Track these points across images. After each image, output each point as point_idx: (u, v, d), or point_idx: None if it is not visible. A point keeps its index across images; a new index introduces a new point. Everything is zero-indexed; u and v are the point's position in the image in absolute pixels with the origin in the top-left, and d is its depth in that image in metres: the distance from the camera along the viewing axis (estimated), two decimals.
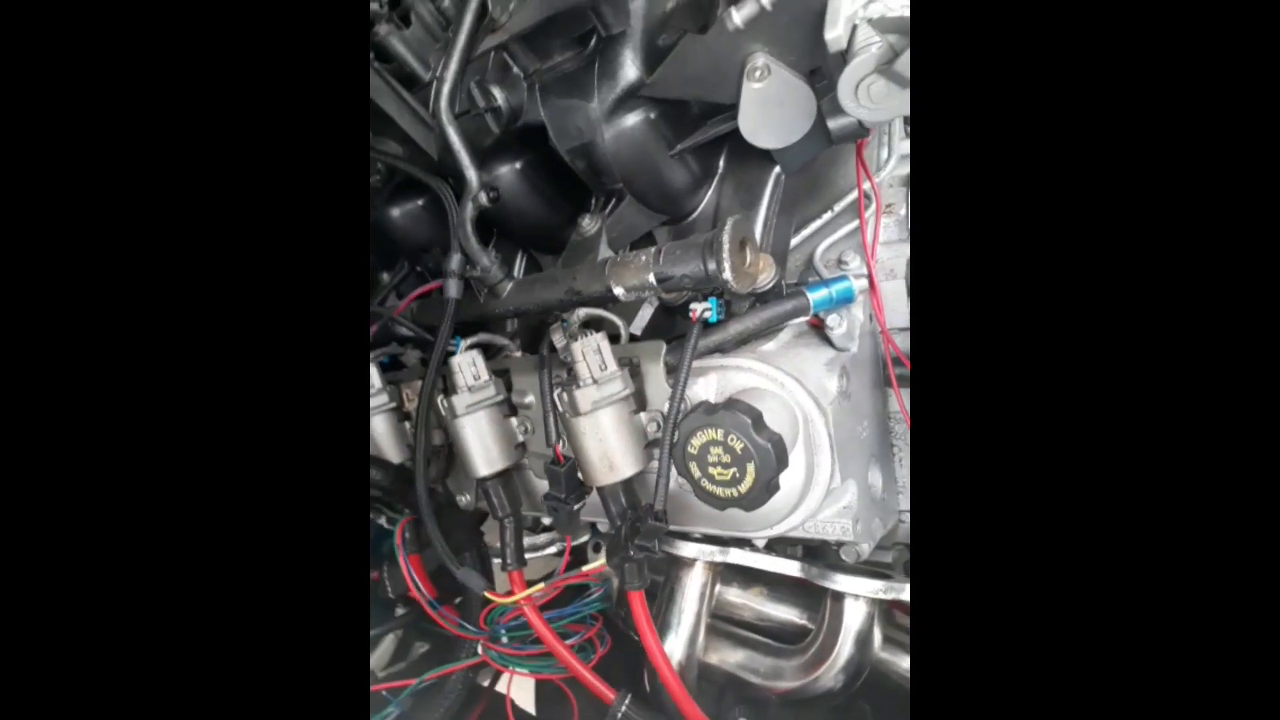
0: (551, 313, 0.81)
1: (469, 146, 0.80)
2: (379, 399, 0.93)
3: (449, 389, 0.80)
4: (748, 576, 0.86)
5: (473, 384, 0.78)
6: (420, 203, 0.98)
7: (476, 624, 0.91)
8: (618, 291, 0.72)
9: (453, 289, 0.81)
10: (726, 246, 0.62)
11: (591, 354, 0.66)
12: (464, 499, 0.92)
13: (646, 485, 0.68)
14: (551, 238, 0.91)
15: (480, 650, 0.92)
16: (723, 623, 0.86)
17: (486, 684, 0.93)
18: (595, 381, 0.66)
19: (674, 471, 0.64)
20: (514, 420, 0.82)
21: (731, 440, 0.59)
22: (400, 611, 1.26)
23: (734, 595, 0.88)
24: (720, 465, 0.60)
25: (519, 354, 0.84)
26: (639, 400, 0.71)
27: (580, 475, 0.70)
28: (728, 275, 0.63)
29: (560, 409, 0.68)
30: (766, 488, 0.59)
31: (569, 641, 0.87)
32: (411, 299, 0.91)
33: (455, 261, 0.82)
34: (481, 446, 0.79)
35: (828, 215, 0.83)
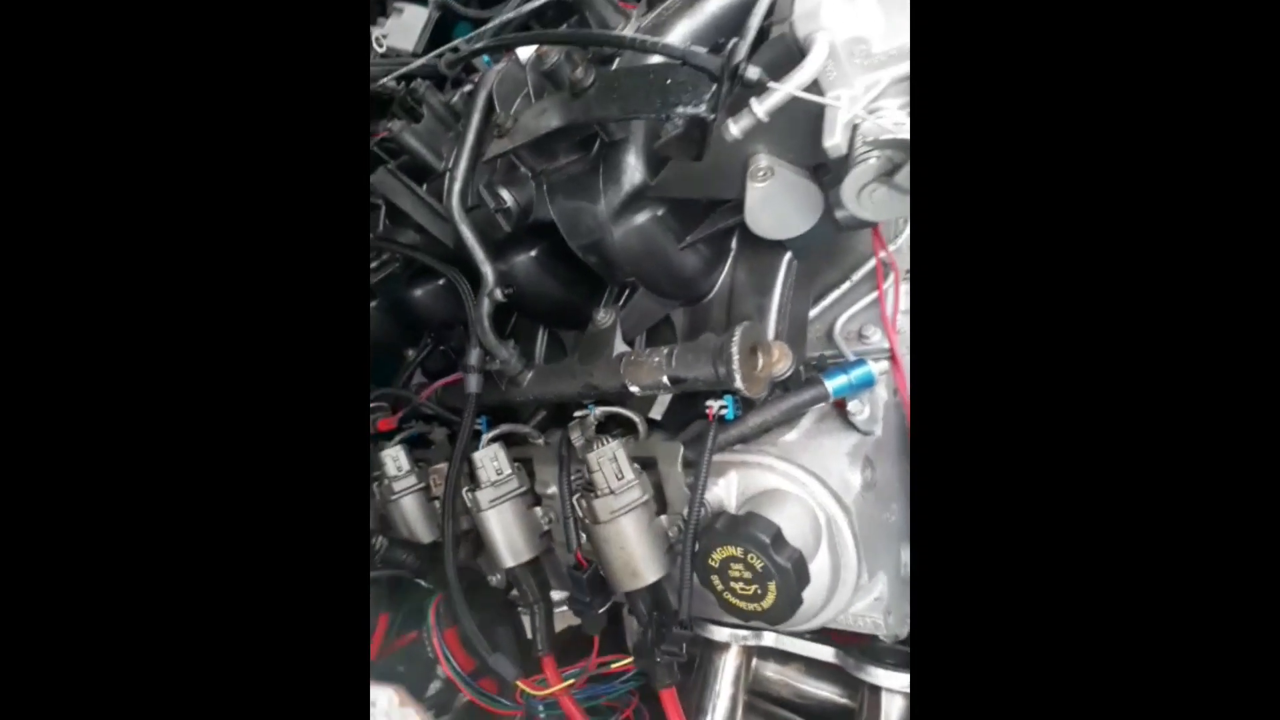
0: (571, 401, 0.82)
1: (482, 240, 0.80)
2: (407, 480, 0.95)
3: (473, 481, 0.81)
4: (785, 654, 0.84)
5: (495, 479, 0.79)
6: (441, 282, 1.00)
7: (513, 698, 0.93)
8: (633, 389, 0.71)
9: (472, 384, 0.82)
10: (736, 356, 0.61)
11: (608, 463, 0.66)
12: (495, 578, 0.93)
13: (674, 582, 0.67)
14: (572, 316, 0.91)
15: None
16: (761, 700, 0.85)
17: None
18: (613, 491, 0.66)
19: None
20: (539, 510, 0.83)
21: (751, 559, 0.58)
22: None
23: (771, 671, 0.87)
24: (742, 581, 0.60)
25: (542, 442, 0.85)
26: (659, 502, 0.70)
27: (604, 577, 0.70)
28: (739, 384, 0.62)
29: (580, 514, 0.68)
30: (790, 605, 0.58)
31: None
32: (435, 387, 0.92)
33: (474, 357, 0.83)
34: (506, 539, 0.80)
35: (846, 285, 0.81)
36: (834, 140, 0.55)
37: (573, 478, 0.73)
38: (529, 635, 0.86)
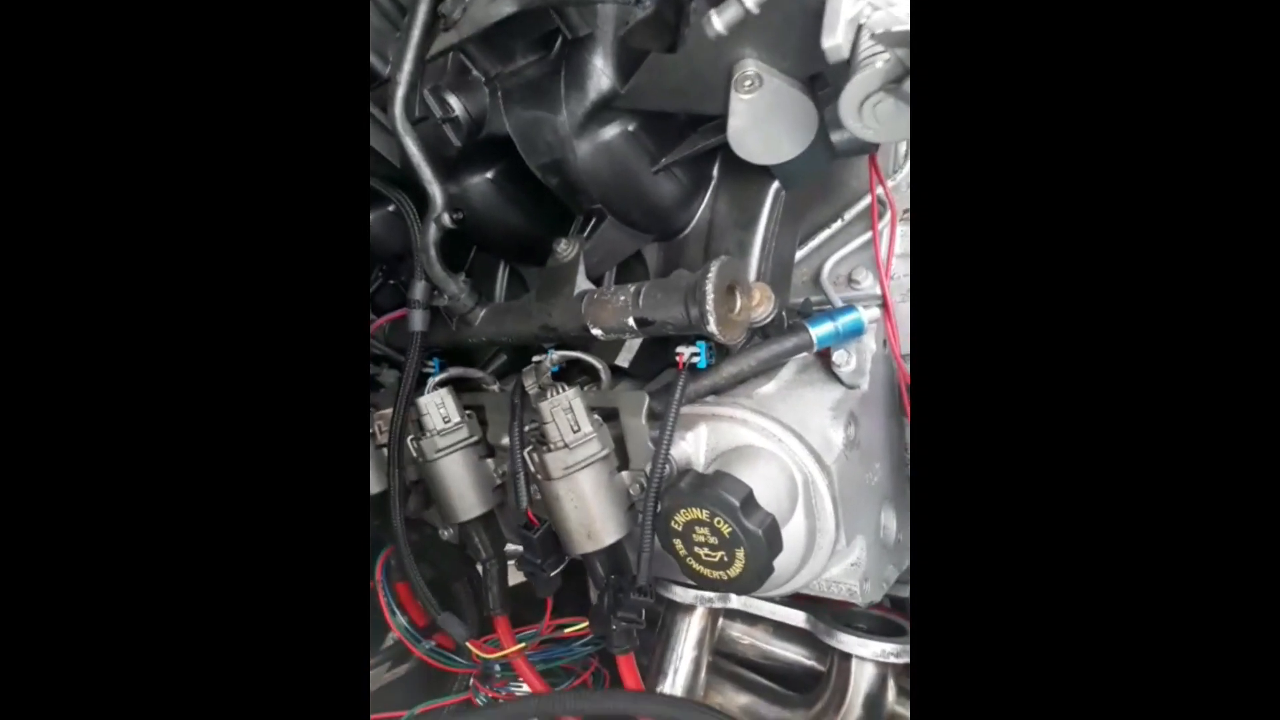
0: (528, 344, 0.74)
1: (431, 157, 0.70)
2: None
3: (420, 429, 0.74)
4: (752, 615, 0.80)
5: (443, 426, 0.72)
6: (391, 208, 0.90)
7: (470, 657, 0.88)
8: (595, 332, 0.64)
9: (417, 321, 0.74)
10: (710, 296, 0.54)
11: (562, 414, 0.59)
12: (447, 533, 0.87)
13: (635, 543, 0.61)
14: (533, 249, 0.82)
15: (471, 687, 0.88)
16: (725, 661, 0.81)
17: None
18: (567, 445, 0.59)
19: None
20: (491, 462, 0.76)
21: (718, 523, 0.52)
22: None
23: (737, 631, 0.82)
24: (707, 546, 0.53)
25: (495, 388, 0.77)
26: (620, 456, 0.63)
27: (557, 537, 0.64)
28: (712, 327, 0.54)
29: (531, 469, 0.61)
30: (759, 574, 0.52)
31: (565, 686, 0.83)
32: (380, 324, 0.84)
33: (419, 290, 0.74)
34: (456, 491, 0.73)
35: (838, 224, 0.73)
36: (835, 40, 0.46)
37: (526, 429, 0.66)
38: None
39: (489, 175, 0.75)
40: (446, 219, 0.70)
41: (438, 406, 0.72)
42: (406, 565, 0.77)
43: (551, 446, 0.59)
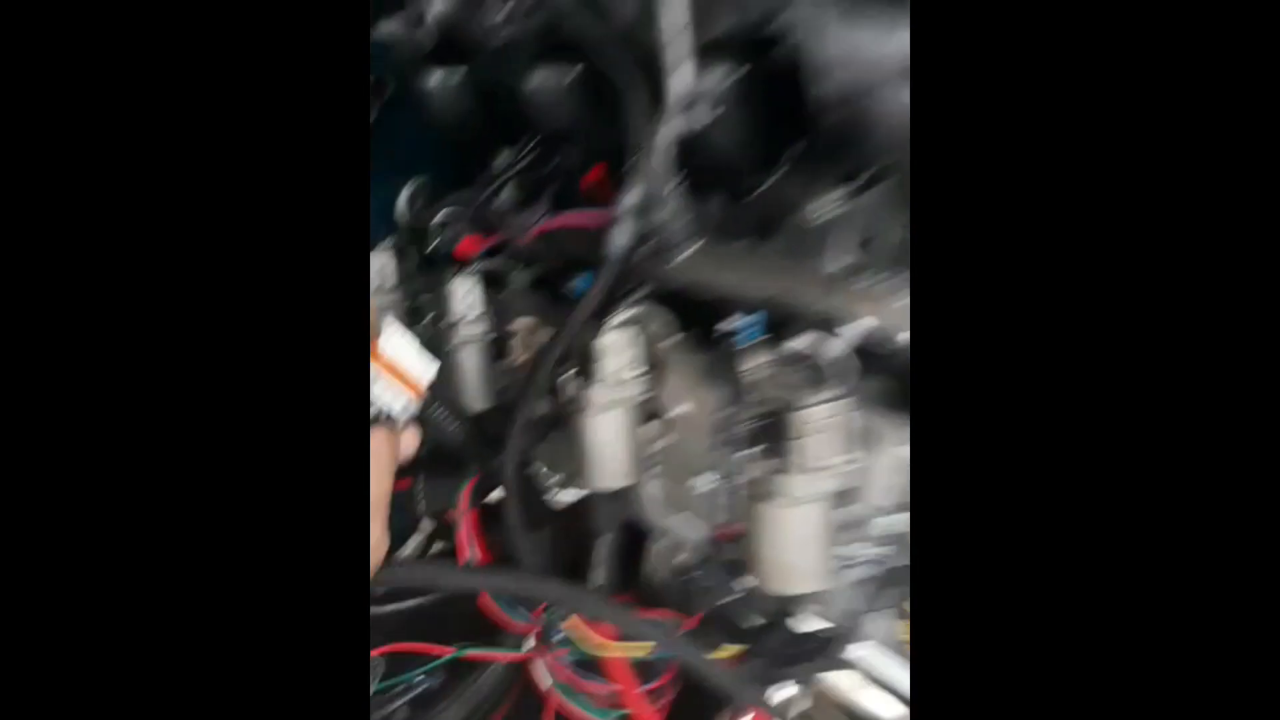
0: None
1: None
2: (475, 327, 0.72)
3: (582, 370, 0.59)
4: None
5: (624, 377, 0.57)
6: (577, 71, 0.71)
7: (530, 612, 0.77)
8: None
9: (623, 236, 0.58)
10: None
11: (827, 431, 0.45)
12: (558, 492, 0.74)
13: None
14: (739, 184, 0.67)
15: (525, 649, 0.78)
16: None
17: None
18: (811, 471, 0.45)
19: None
20: (651, 426, 0.62)
21: None
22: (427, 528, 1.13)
23: None
24: None
25: (678, 340, 0.62)
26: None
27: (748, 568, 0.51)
28: None
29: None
30: None
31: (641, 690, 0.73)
32: (554, 225, 0.66)
33: (629, 196, 0.58)
34: (608, 454, 0.60)
35: None
36: None
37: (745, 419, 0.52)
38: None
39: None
40: (703, 119, 0.53)
41: (622, 348, 0.57)
42: (513, 519, 0.65)
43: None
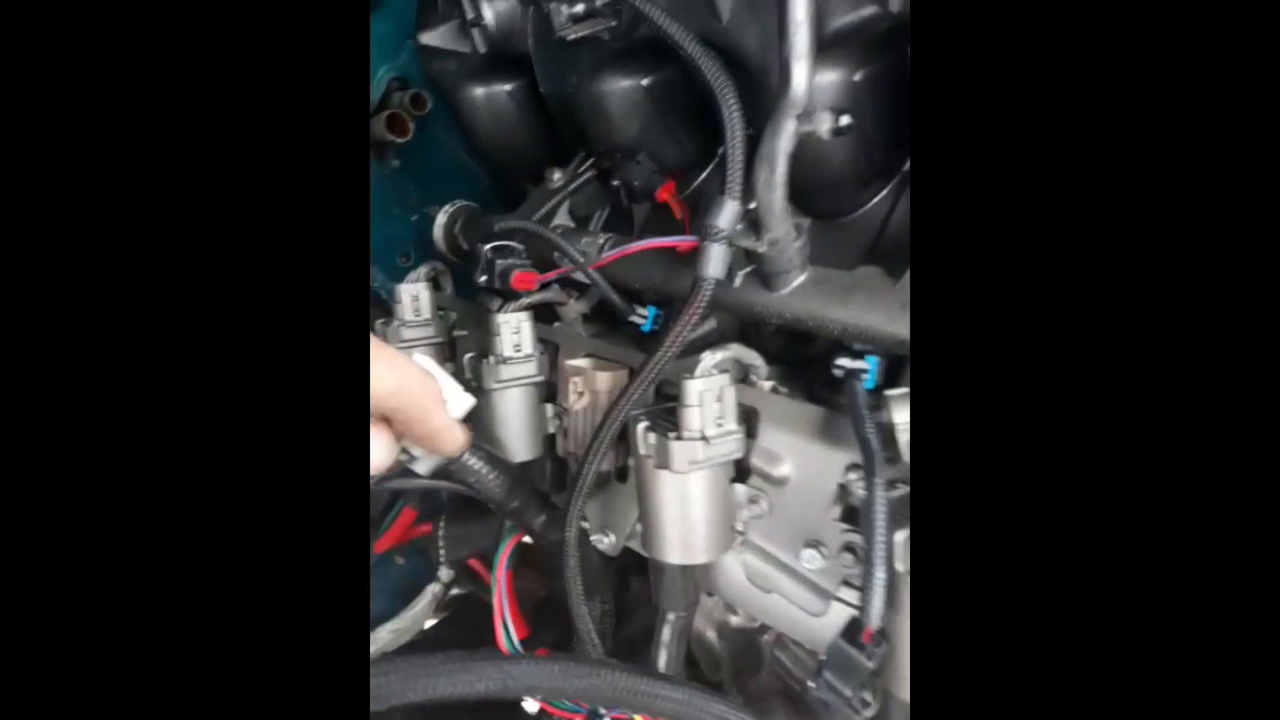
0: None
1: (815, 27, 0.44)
2: (524, 367, 0.62)
3: (658, 422, 0.49)
4: None
5: (714, 430, 0.47)
6: (649, 81, 0.63)
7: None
8: None
9: (714, 264, 0.48)
10: None
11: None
12: (607, 539, 0.64)
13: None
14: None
15: None
16: None
17: None
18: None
19: None
20: (741, 489, 0.52)
21: None
22: (446, 582, 1.02)
23: None
24: None
25: (773, 386, 0.52)
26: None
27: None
28: None
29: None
30: None
31: None
32: (627, 252, 0.57)
33: (727, 214, 0.48)
34: (704, 521, 0.49)
35: None
36: None
37: (885, 480, 0.41)
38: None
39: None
40: (826, 123, 0.44)
41: (713, 394, 0.47)
42: (572, 591, 0.54)
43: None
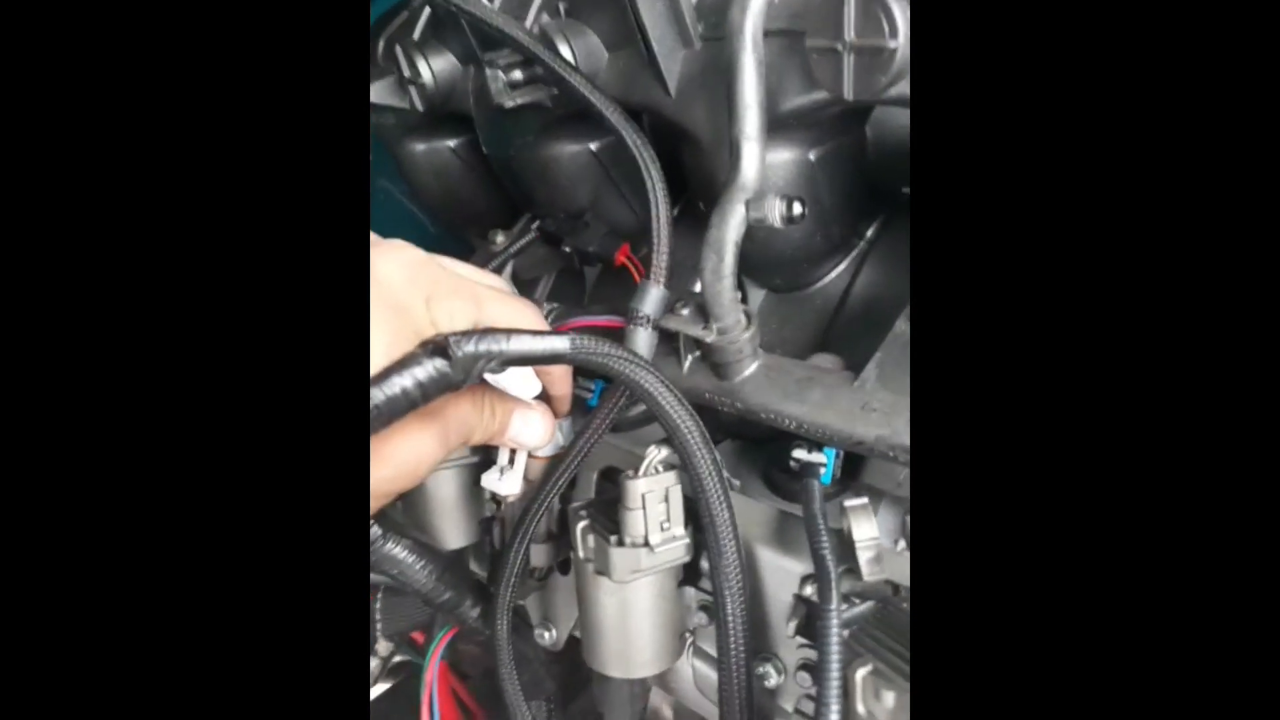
0: None
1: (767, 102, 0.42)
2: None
3: (598, 521, 0.45)
4: None
5: (658, 536, 0.43)
6: (597, 146, 0.60)
7: None
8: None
9: (641, 349, 0.45)
10: None
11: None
12: (550, 635, 0.59)
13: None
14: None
15: None
16: None
17: None
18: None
19: None
20: (691, 593, 0.48)
21: None
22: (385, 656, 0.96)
23: None
24: None
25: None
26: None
27: None
28: None
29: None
30: None
31: None
32: (568, 327, 0.53)
33: (651, 300, 0.45)
34: (648, 631, 0.45)
35: None
36: None
37: (839, 602, 0.37)
38: None
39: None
40: (778, 211, 0.41)
41: (659, 493, 0.43)
42: (506, 688, 0.49)
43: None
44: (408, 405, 0.32)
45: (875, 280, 0.55)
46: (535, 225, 0.68)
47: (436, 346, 0.32)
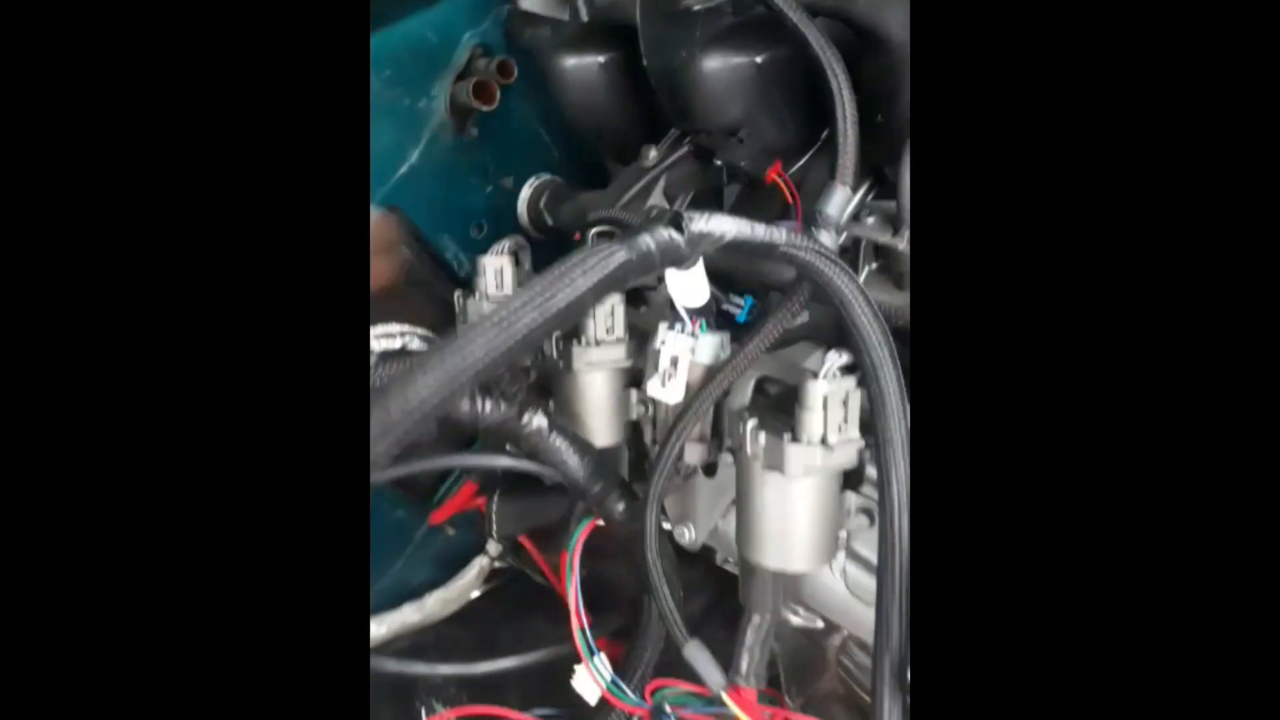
0: None
1: None
2: (613, 350, 0.60)
3: (768, 421, 0.47)
4: None
5: (835, 437, 0.44)
6: (763, 59, 0.60)
7: (640, 692, 0.64)
8: None
9: (826, 238, 0.46)
10: None
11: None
12: (687, 534, 0.62)
13: None
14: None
15: None
16: None
17: None
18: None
19: None
20: (853, 498, 0.49)
21: None
22: (494, 555, 1.02)
23: None
24: None
25: None
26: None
27: None
28: None
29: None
30: None
31: None
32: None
33: (837, 201, 0.46)
34: (809, 528, 0.47)
35: None
36: None
37: None
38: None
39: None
40: None
41: (827, 383, 0.44)
42: (653, 577, 0.52)
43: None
44: (642, 269, 0.33)
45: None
46: (687, 140, 0.68)
47: (674, 217, 0.34)
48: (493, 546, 1.01)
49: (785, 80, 0.60)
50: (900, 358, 0.41)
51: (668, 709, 0.62)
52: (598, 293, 0.32)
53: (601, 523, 0.66)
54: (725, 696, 0.55)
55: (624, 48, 0.69)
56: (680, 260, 0.35)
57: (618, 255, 0.32)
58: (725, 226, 0.35)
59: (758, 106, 0.62)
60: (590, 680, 0.64)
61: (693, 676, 0.57)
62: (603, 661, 0.66)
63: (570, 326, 0.61)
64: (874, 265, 0.48)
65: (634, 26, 0.64)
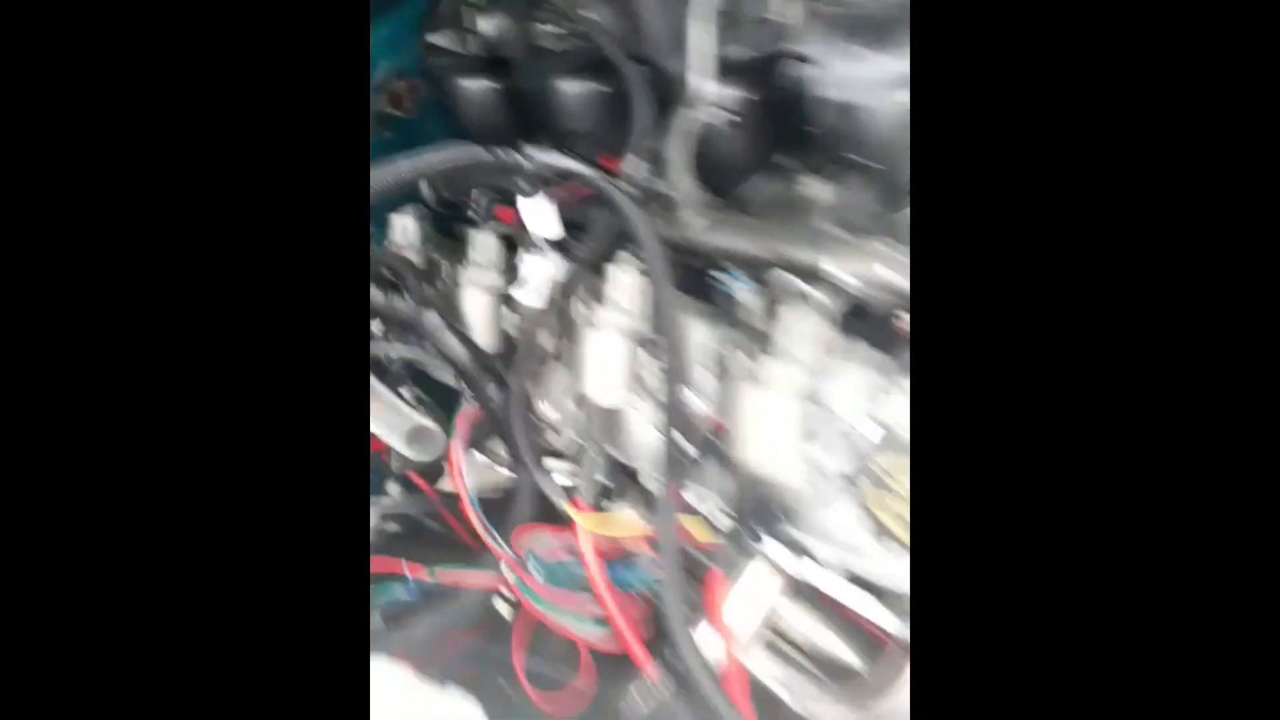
0: None
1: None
2: (486, 274, 0.84)
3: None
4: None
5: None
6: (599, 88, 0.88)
7: (509, 542, 0.84)
8: None
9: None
10: None
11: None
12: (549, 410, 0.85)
13: None
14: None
15: (502, 569, 0.85)
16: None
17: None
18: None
19: None
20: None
21: None
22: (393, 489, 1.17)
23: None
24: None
25: None
26: None
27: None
28: None
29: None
30: None
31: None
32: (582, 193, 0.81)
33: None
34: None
35: None
36: None
37: None
38: None
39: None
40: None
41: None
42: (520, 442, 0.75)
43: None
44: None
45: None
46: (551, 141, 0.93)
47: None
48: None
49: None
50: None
51: (533, 565, 0.82)
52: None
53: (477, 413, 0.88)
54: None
55: (508, 75, 0.94)
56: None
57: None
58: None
59: (597, 118, 0.89)
60: None
61: None
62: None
63: None
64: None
65: (512, 58, 0.91)
